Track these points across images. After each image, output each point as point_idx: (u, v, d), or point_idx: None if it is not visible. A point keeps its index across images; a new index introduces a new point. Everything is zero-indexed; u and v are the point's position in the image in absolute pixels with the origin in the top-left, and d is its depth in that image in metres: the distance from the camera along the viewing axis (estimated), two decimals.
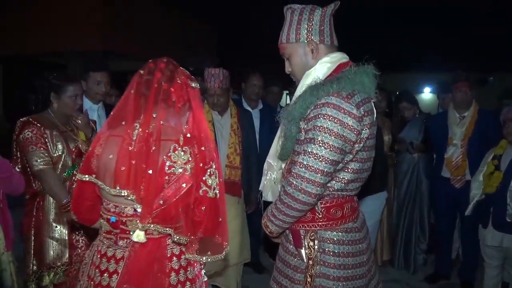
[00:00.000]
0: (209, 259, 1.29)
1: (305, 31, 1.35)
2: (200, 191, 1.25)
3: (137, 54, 7.51)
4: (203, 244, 1.28)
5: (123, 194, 1.21)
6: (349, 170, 1.29)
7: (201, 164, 1.25)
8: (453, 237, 3.32)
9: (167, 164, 1.23)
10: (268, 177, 1.53)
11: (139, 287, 1.22)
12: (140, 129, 1.23)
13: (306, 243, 1.33)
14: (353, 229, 1.34)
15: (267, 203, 1.55)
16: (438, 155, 3.13)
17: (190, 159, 1.24)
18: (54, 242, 2.06)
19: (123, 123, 1.27)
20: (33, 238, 2.05)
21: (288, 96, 3.77)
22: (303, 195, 1.21)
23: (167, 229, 1.23)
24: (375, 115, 1.33)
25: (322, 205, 1.31)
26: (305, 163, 1.21)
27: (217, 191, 1.28)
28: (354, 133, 1.21)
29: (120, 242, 1.26)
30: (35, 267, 2.05)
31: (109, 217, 1.27)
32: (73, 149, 2.12)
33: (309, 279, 1.31)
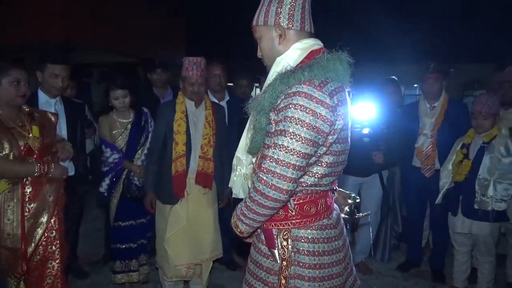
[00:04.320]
0: None
1: (274, 13, 1.25)
2: None
3: (101, 45, 7.14)
4: None
5: None
6: (323, 163, 1.21)
7: None
8: (423, 226, 3.36)
9: None
10: (237, 173, 1.43)
11: None
12: None
13: (279, 243, 1.24)
14: (328, 226, 1.27)
15: (237, 200, 1.46)
16: (409, 145, 3.15)
17: None
18: (5, 252, 1.86)
19: None
20: None
21: (257, 90, 3.66)
22: (274, 192, 1.12)
23: None
24: (348, 106, 1.25)
25: (295, 202, 1.23)
26: (275, 157, 1.12)
27: None
28: (327, 124, 1.13)
29: None
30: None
31: None
32: (22, 147, 1.91)
33: (283, 281, 1.22)
